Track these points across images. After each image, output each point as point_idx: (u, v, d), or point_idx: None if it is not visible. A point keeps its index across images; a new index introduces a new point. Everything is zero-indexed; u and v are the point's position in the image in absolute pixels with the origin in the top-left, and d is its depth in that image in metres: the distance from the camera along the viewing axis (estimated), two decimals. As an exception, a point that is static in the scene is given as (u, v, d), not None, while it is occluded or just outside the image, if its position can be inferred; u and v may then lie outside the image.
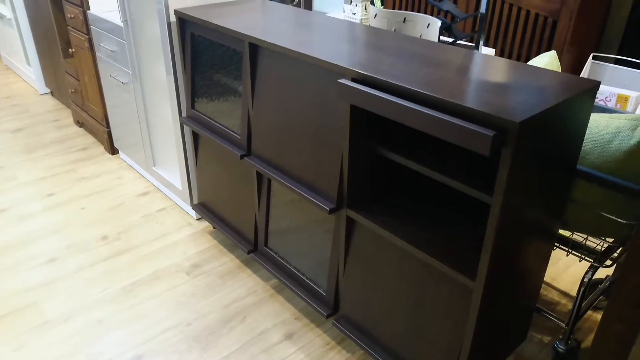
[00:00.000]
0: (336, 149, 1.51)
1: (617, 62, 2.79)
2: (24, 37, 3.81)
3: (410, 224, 1.47)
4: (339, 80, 1.34)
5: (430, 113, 1.13)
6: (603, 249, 1.52)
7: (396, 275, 1.50)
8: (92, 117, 3.14)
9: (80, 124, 3.44)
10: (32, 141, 3.27)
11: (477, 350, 1.41)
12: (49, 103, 3.86)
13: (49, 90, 4.00)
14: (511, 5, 2.82)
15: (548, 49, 2.94)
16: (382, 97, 1.23)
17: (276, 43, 1.57)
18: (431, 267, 1.39)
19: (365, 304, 1.64)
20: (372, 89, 1.27)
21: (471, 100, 1.14)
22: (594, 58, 2.62)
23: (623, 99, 2.55)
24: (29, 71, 4.04)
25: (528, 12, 2.78)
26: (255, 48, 1.69)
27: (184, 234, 2.42)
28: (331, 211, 1.56)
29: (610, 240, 1.48)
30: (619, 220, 1.38)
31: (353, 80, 1.35)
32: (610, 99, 2.57)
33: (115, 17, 2.50)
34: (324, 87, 1.49)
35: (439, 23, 1.76)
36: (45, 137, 3.32)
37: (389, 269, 1.52)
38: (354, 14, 2.06)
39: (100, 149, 3.18)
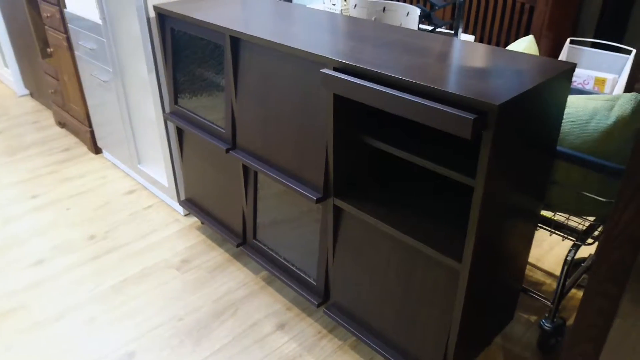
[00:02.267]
0: (320, 139, 1.53)
1: (593, 45, 2.84)
2: (0, 38, 3.74)
3: (397, 211, 1.49)
4: (321, 70, 1.35)
5: (412, 99, 1.15)
6: (585, 228, 1.56)
7: (385, 261, 1.52)
8: (74, 117, 3.11)
9: (61, 124, 3.41)
10: (12, 143, 3.23)
11: (466, 331, 1.44)
12: (28, 104, 3.81)
13: (28, 92, 3.95)
14: (489, -7, 2.85)
15: (526, 35, 2.98)
16: (365, 85, 1.24)
17: (257, 35, 1.58)
18: (418, 252, 1.41)
19: (355, 292, 1.67)
20: (355, 78, 1.28)
21: (452, 86, 1.16)
22: (571, 42, 2.67)
23: (600, 82, 2.60)
24: (7, 73, 3.98)
25: (505, -2, 2.81)
26: (237, 41, 1.69)
27: (172, 230, 2.42)
28: (318, 201, 1.57)
29: (592, 219, 1.51)
30: (599, 198, 1.42)
31: (335, 69, 1.37)
32: (588, 82, 2.61)
33: (93, 15, 2.47)
34: (307, 78, 1.50)
35: (418, 11, 1.78)
36: (26, 139, 3.28)
37: (377, 255, 1.54)
38: (334, 4, 2.07)
39: (84, 148, 3.16)
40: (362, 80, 1.26)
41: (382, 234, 1.50)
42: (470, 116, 1.06)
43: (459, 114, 1.07)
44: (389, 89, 1.20)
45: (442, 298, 1.40)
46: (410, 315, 1.51)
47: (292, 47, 1.47)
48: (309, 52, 1.43)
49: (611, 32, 2.76)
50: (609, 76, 2.55)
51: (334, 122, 1.44)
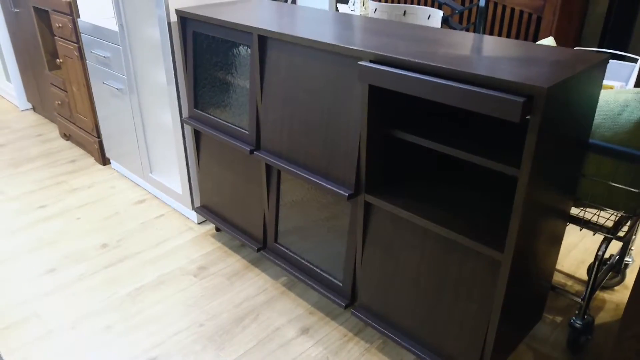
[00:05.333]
0: (352, 135, 1.52)
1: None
2: (4, 52, 3.73)
3: (430, 204, 1.48)
4: (359, 62, 1.35)
5: (459, 86, 1.15)
6: (615, 221, 1.57)
7: (417, 257, 1.51)
8: (81, 128, 3.08)
9: (67, 136, 3.37)
10: (17, 156, 3.19)
11: (503, 328, 1.42)
12: (31, 118, 3.77)
13: (30, 106, 3.92)
14: (496, 4, 2.91)
15: (531, 46, 3.04)
16: (409, 75, 1.25)
17: (288, 33, 1.58)
18: (455, 245, 1.40)
19: (385, 291, 1.64)
20: (395, 69, 1.29)
21: (495, 72, 1.17)
22: (578, 51, 2.72)
23: (608, 89, 2.64)
24: (9, 88, 3.95)
25: (513, 9, 2.87)
26: (264, 40, 1.70)
27: (186, 238, 2.39)
28: (350, 197, 1.56)
29: (622, 212, 1.52)
30: (632, 189, 1.42)
31: (372, 62, 1.37)
32: (597, 89, 2.66)
33: (108, 23, 2.47)
34: (339, 74, 1.50)
35: (440, 13, 1.81)
36: (31, 151, 3.24)
37: (409, 251, 1.53)
38: (353, 10, 2.09)
39: (90, 160, 3.12)
40: (404, 70, 1.27)
41: (414, 229, 1.49)
42: (520, 99, 1.07)
43: (508, 97, 1.08)
44: (432, 77, 1.21)
45: (480, 292, 1.39)
46: (445, 312, 1.49)
47: (326, 43, 1.48)
48: (344, 47, 1.43)
49: (615, 41, 2.82)
50: (617, 84, 2.59)
51: (368, 116, 1.44)
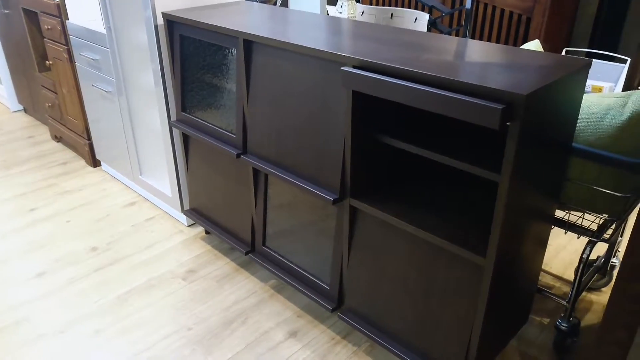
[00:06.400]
0: (337, 139, 1.53)
1: (588, 55, 2.91)
2: (-5, 54, 3.71)
3: (415, 209, 1.49)
4: (342, 68, 1.36)
5: (439, 92, 1.16)
6: (599, 224, 1.57)
7: (403, 262, 1.51)
8: (72, 131, 3.07)
9: (58, 138, 3.37)
10: (8, 158, 3.18)
11: (488, 330, 1.43)
12: (22, 120, 3.76)
13: (22, 108, 3.90)
14: (486, 5, 2.92)
15: (521, 47, 3.04)
16: (389, 81, 1.25)
17: (273, 38, 1.58)
18: (440, 250, 1.41)
19: (371, 295, 1.65)
20: (377, 74, 1.29)
21: (476, 79, 1.17)
22: (567, 52, 2.73)
23: (597, 90, 2.66)
24: (0, 89, 3.94)
25: (503, 10, 2.88)
26: (250, 45, 1.70)
27: (176, 241, 2.39)
28: (335, 201, 1.57)
29: (605, 216, 1.53)
30: (614, 194, 1.43)
31: (355, 67, 1.37)
32: (586, 91, 2.67)
33: (96, 25, 2.47)
34: (324, 79, 1.51)
35: (427, 17, 1.81)
36: (22, 154, 3.24)
37: (395, 256, 1.53)
38: (340, 12, 2.09)
39: (81, 162, 3.11)
40: (386, 77, 1.27)
41: (400, 234, 1.49)
42: (499, 106, 1.08)
43: (488, 104, 1.09)
44: (414, 83, 1.21)
45: (464, 296, 1.40)
46: (430, 316, 1.50)
47: (310, 48, 1.48)
48: (328, 52, 1.44)
49: (605, 42, 2.83)
50: (606, 84, 2.61)
51: (352, 121, 1.44)
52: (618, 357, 1.10)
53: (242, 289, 2.08)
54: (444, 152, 1.34)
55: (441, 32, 2.03)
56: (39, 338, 1.85)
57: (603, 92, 2.64)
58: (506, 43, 3.01)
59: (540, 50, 1.83)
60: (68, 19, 2.62)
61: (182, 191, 2.37)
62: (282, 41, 1.55)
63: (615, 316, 1.07)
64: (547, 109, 1.22)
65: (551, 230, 1.69)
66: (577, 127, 1.47)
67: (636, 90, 1.40)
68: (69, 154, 3.23)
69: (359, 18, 2.07)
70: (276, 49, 1.62)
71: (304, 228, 1.80)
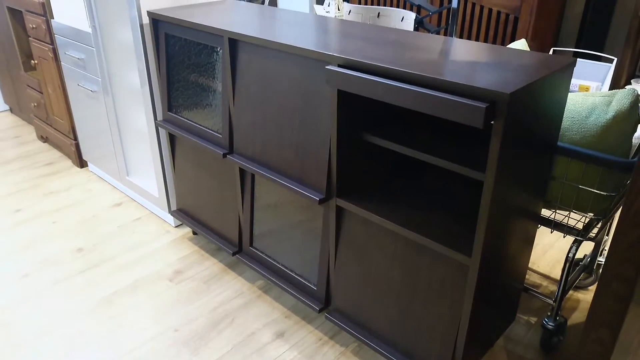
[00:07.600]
0: (322, 139, 1.52)
1: (575, 54, 2.92)
2: (-21, 53, 3.67)
3: (401, 208, 1.48)
4: (326, 67, 1.35)
5: (423, 91, 1.15)
6: (584, 224, 1.58)
7: (389, 261, 1.51)
8: (58, 131, 3.04)
9: (44, 138, 3.33)
10: (-7, 158, 3.14)
11: (474, 329, 1.43)
12: (8, 120, 3.72)
13: (7, 108, 3.86)
14: (473, 4, 2.92)
15: (509, 46, 3.05)
16: (373, 80, 1.24)
17: (258, 36, 1.57)
18: (425, 249, 1.41)
19: (358, 295, 1.64)
20: (361, 73, 1.28)
21: (460, 78, 1.17)
22: (554, 52, 2.74)
23: (584, 89, 2.67)
24: (-15, 88, 3.89)
25: (490, 10, 2.88)
26: (235, 43, 1.69)
27: (163, 241, 2.37)
28: (321, 201, 1.56)
29: (591, 214, 1.53)
30: (599, 192, 1.43)
31: (340, 66, 1.37)
32: (573, 90, 2.68)
33: (81, 24, 2.44)
34: (309, 78, 1.50)
35: (413, 16, 1.80)
36: (7, 154, 3.20)
37: (381, 256, 1.52)
38: (327, 12, 2.08)
39: (68, 162, 3.08)
40: (370, 75, 1.26)
41: (386, 233, 1.49)
42: (482, 105, 1.07)
43: (471, 103, 1.08)
44: (397, 82, 1.21)
45: (450, 296, 1.39)
46: (416, 316, 1.49)
47: (295, 47, 1.47)
48: (312, 51, 1.43)
49: (592, 41, 2.84)
50: (593, 84, 2.62)
51: (338, 120, 1.43)
52: (602, 356, 1.10)
53: (229, 289, 2.07)
54: (429, 151, 1.34)
55: (428, 31, 2.03)
56: (22, 341, 1.82)
57: (590, 91, 2.66)
58: (494, 42, 3.02)
59: (526, 49, 1.83)
60: (53, 18, 2.59)
61: (169, 191, 2.35)
62: (267, 40, 1.54)
63: (598, 315, 1.07)
64: (531, 108, 1.22)
65: (538, 229, 1.70)
66: (562, 126, 1.47)
67: (620, 89, 1.40)
68: (55, 154, 3.20)
69: (346, 17, 2.07)
70: (261, 48, 1.60)
71: (291, 228, 1.79)
